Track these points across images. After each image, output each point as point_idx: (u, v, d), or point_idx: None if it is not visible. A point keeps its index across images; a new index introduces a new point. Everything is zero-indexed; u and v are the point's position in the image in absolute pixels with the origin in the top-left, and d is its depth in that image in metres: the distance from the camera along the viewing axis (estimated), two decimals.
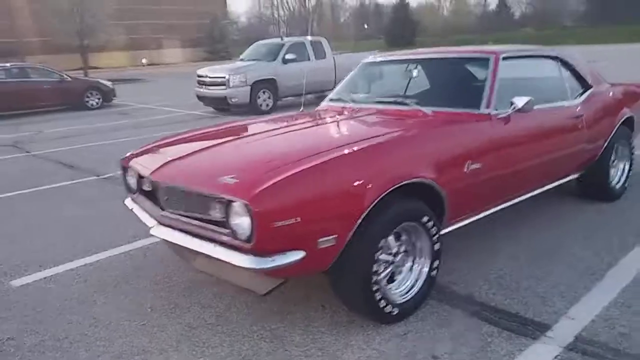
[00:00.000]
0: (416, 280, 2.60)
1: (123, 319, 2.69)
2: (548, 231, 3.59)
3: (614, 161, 4.13)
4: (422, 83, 3.57)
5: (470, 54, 3.40)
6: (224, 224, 2.18)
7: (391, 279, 2.57)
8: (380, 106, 3.37)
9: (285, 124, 3.26)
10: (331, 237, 2.18)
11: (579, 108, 3.62)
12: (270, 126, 3.26)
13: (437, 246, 2.62)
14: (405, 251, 2.60)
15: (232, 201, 2.09)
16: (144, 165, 2.74)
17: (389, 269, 2.51)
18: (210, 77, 11.65)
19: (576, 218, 3.82)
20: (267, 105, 11.61)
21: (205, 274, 2.81)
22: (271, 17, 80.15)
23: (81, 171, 6.34)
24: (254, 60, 12.30)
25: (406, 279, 2.60)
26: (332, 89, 13.44)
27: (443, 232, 2.81)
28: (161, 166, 2.58)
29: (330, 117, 3.33)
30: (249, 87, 11.24)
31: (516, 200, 3.30)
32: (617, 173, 4.23)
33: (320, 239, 2.15)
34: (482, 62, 3.22)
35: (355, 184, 2.22)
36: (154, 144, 3.11)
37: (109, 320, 2.68)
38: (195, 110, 12.50)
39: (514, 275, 2.97)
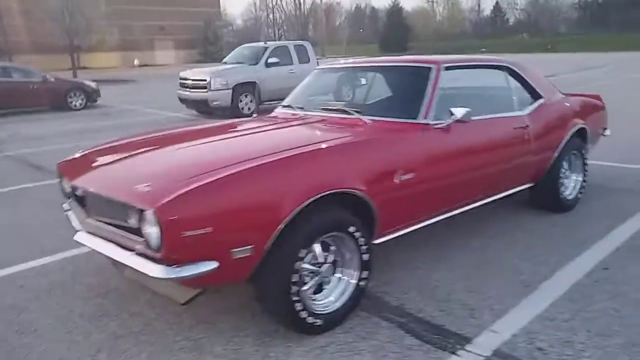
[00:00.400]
0: (344, 291, 2.60)
1: (49, 326, 2.67)
2: (496, 241, 3.60)
3: (565, 172, 4.15)
4: (369, 92, 3.58)
5: (412, 63, 3.41)
6: (139, 232, 2.17)
7: (320, 289, 2.57)
8: (325, 114, 3.37)
9: (224, 130, 3.26)
10: (247, 247, 2.17)
11: (525, 119, 3.64)
12: (207, 133, 3.24)
13: (366, 257, 2.61)
14: (334, 261, 2.59)
15: (143, 210, 2.08)
16: (73, 170, 2.73)
17: (315, 279, 2.50)
18: (192, 80, 11.63)
19: (525, 228, 3.84)
20: (249, 108, 11.58)
21: (134, 282, 2.80)
22: (267, 20, 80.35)
23: (47, 173, 6.30)
24: (237, 63, 12.29)
25: (334, 290, 2.60)
26: None
27: (378, 241, 2.82)
28: (87, 172, 2.57)
29: (272, 124, 3.32)
30: (230, 90, 11.22)
31: (461, 210, 3.30)
32: (570, 184, 4.25)
33: (235, 250, 2.14)
34: (424, 71, 3.23)
35: (272, 194, 2.22)
36: (91, 149, 3.09)
37: (35, 327, 2.66)
38: (178, 112, 12.46)
39: (449, 286, 2.97)
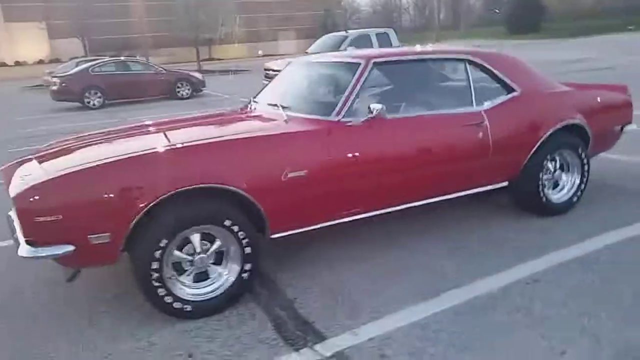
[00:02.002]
0: (225, 282, 2.73)
1: None
2: (442, 243, 3.42)
3: (551, 173, 3.74)
4: (309, 87, 3.58)
5: (343, 59, 3.33)
6: None
7: (207, 276, 2.74)
8: (268, 109, 3.47)
9: (161, 125, 3.45)
10: (104, 234, 2.42)
11: (482, 115, 3.36)
12: (142, 130, 3.43)
13: (248, 250, 2.71)
14: (220, 252, 2.74)
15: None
16: (4, 170, 3.12)
17: (192, 268, 2.67)
18: (272, 71, 12.18)
19: (490, 230, 3.57)
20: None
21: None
22: (396, 5, 79.24)
23: None
24: (317, 53, 12.55)
25: (218, 279, 2.74)
26: None
27: (276, 236, 2.88)
28: (13, 173, 2.93)
29: (204, 119, 3.50)
30: None
31: (392, 209, 3.20)
32: (563, 185, 3.83)
33: (92, 236, 2.40)
34: (351, 67, 3.17)
35: (127, 187, 2.43)
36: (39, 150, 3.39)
37: None
38: None
39: (353, 285, 2.93)
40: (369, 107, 2.97)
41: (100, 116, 12.57)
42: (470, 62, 3.49)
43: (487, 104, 3.43)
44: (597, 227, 3.53)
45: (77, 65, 17.02)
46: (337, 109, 3.01)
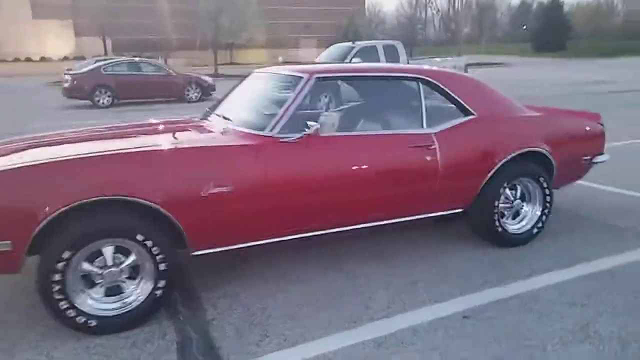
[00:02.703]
0: (137, 298, 2.63)
1: None
2: (387, 268, 3.27)
3: (512, 201, 3.57)
4: (257, 99, 3.48)
5: (290, 71, 3.23)
6: None
7: (120, 291, 2.64)
8: (214, 119, 3.39)
9: (92, 133, 3.37)
10: (5, 242, 2.34)
11: (432, 137, 3.22)
12: (85, 134, 3.38)
13: (162, 266, 2.61)
14: (135, 267, 2.64)
15: None
16: None
17: (101, 281, 2.58)
18: None
19: (440, 259, 3.41)
20: (329, 108, 11.70)
21: None
22: (420, 17, 79.01)
23: None
24: (322, 64, 12.49)
25: (130, 295, 2.64)
26: None
27: (199, 253, 2.77)
28: None
29: (143, 127, 3.42)
30: None
31: (330, 231, 3.07)
32: (524, 216, 3.65)
33: None
34: (295, 81, 3.06)
35: (26, 197, 2.35)
36: None
37: None
38: None
39: (278, 310, 2.79)
40: (305, 124, 2.87)
41: (107, 115, 12.69)
42: (425, 82, 3.35)
43: (438, 126, 3.28)
44: (552, 262, 3.35)
45: (94, 64, 17.29)
46: (272, 123, 2.90)
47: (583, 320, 2.64)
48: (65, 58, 37.98)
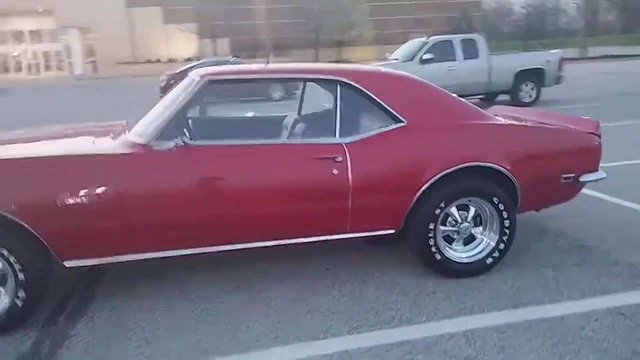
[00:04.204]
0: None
1: None
2: (305, 290, 2.92)
3: (459, 224, 3.00)
4: (162, 104, 3.27)
5: (192, 74, 2.98)
6: None
7: None
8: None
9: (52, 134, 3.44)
10: None
11: (344, 148, 2.78)
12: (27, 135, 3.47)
13: (21, 276, 2.55)
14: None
15: None
16: None
17: None
18: None
19: (364, 283, 2.97)
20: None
21: None
22: (553, 6, 72.74)
23: None
24: (395, 60, 11.95)
25: None
26: (483, 93, 12.20)
27: (70, 264, 2.69)
28: None
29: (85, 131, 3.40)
30: None
31: (218, 249, 2.79)
32: (478, 242, 3.06)
33: None
34: (189, 84, 2.84)
35: None
36: None
37: None
38: None
39: (150, 329, 2.60)
40: (182, 132, 2.65)
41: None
42: (344, 84, 2.92)
43: (353, 136, 2.84)
44: (484, 302, 2.75)
45: (190, 64, 18.40)
46: (149, 131, 2.72)
47: None
48: (189, 59, 41.09)
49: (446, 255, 2.99)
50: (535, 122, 3.27)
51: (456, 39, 11.59)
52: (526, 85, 11.93)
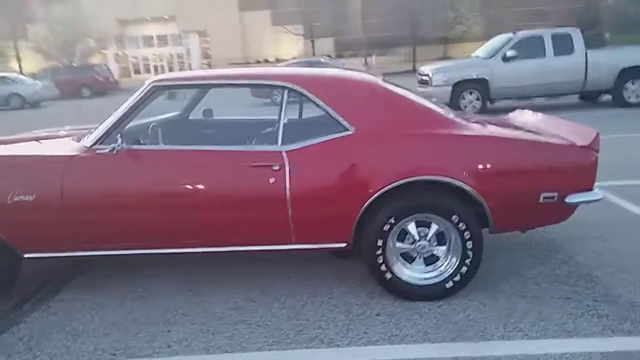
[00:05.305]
0: None
1: None
2: (259, 302, 2.86)
3: (416, 241, 2.71)
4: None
5: (149, 82, 3.00)
6: None
7: None
8: None
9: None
10: None
11: (283, 156, 2.63)
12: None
13: None
14: None
15: None
16: None
17: None
18: (420, 75, 11.41)
19: (313, 299, 2.82)
20: (474, 106, 10.52)
21: None
22: None
23: None
24: (477, 56, 11.27)
25: None
26: (578, 93, 11.36)
27: (29, 255, 2.87)
28: None
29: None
30: (449, 87, 10.46)
31: (159, 251, 2.82)
32: (441, 264, 2.75)
33: None
34: (141, 90, 2.87)
35: None
36: None
37: None
38: None
39: (96, 339, 2.72)
40: (124, 136, 2.71)
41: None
42: (290, 90, 2.78)
43: (296, 144, 2.69)
44: (422, 331, 2.46)
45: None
46: (94, 135, 2.83)
47: None
48: (294, 58, 42.32)
49: (397, 274, 2.73)
50: (519, 134, 2.85)
51: (547, 33, 10.57)
52: (632, 83, 10.56)
